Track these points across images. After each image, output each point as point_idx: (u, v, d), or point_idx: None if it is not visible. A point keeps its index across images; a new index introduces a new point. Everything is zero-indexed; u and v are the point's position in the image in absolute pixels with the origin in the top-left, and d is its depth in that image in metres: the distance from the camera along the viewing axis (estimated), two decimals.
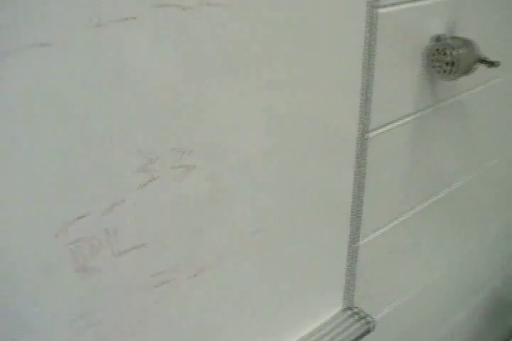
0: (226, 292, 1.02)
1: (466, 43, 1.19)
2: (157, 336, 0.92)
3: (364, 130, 1.14)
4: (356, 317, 1.30)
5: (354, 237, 1.27)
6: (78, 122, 0.68)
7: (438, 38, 1.20)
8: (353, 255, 1.28)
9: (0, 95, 0.61)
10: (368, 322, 1.29)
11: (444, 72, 1.18)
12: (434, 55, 1.18)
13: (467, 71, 1.19)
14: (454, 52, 1.15)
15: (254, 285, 1.07)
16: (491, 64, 1.20)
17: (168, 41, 0.73)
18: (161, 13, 0.70)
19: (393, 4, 1.06)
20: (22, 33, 0.60)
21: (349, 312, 1.31)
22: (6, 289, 0.70)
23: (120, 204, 0.77)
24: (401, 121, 1.24)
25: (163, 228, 0.84)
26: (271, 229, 1.03)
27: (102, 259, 0.78)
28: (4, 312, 0.71)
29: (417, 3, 1.10)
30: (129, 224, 0.80)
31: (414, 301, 1.66)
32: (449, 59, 1.16)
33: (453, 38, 1.22)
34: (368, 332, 1.28)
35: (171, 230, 0.86)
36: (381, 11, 1.03)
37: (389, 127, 1.22)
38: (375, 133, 1.18)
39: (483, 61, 1.20)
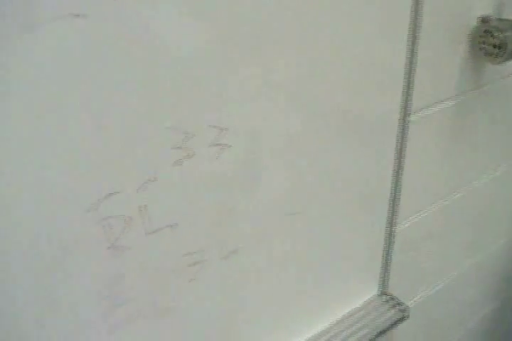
0: (259, 274, 1.00)
1: None
2: (187, 316, 0.91)
3: (405, 112, 1.12)
4: (392, 303, 1.28)
5: (391, 222, 1.25)
6: (110, 97, 0.66)
7: (484, 20, 1.17)
8: (389, 239, 1.26)
9: (32, 67, 0.60)
10: (404, 310, 1.27)
11: (491, 54, 1.15)
12: (481, 36, 1.14)
13: None
14: (501, 35, 1.12)
15: (288, 268, 1.06)
16: None
17: (202, 13, 0.71)
18: None
19: None
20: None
21: (384, 297, 1.30)
22: (37, 265, 0.69)
23: (153, 182, 0.76)
24: (443, 104, 1.22)
25: (195, 208, 0.83)
26: (306, 211, 1.01)
27: (134, 237, 0.77)
28: (32, 287, 0.70)
29: None
30: (161, 203, 0.78)
31: (447, 289, 1.64)
32: (496, 41, 1.13)
33: (500, 19, 1.19)
34: (402, 319, 1.26)
35: (203, 210, 0.84)
36: None
37: (431, 110, 1.19)
38: (416, 115, 1.16)
39: None
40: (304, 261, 1.08)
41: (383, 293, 1.31)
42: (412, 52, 1.05)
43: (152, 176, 0.75)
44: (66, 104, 0.63)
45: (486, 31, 1.14)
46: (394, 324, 1.23)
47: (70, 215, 0.69)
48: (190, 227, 0.83)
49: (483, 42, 1.15)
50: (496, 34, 1.13)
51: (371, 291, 1.30)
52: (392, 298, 1.29)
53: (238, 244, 0.92)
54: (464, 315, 1.90)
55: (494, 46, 1.14)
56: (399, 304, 1.28)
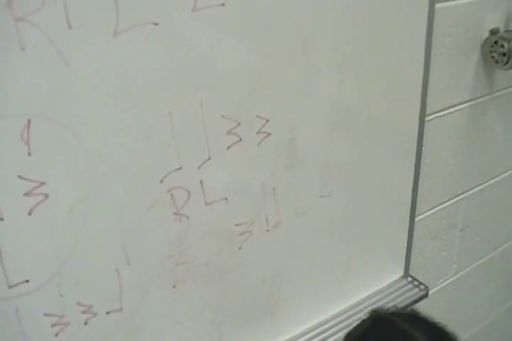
0: (297, 247, 1.17)
1: None
2: (236, 277, 1.08)
3: (422, 113, 1.28)
4: (414, 283, 1.44)
5: (413, 212, 1.41)
6: (179, 92, 0.86)
7: (494, 31, 1.34)
8: (412, 228, 1.42)
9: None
10: (423, 289, 1.43)
11: (501, 62, 1.32)
12: (492, 46, 1.32)
13: None
14: (508, 45, 1.29)
15: (323, 244, 1.22)
16: None
17: (254, 26, 0.90)
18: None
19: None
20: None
21: (408, 279, 1.46)
22: (116, 225, 0.87)
23: (208, 161, 0.93)
24: (458, 107, 1.38)
25: (242, 185, 1.01)
26: (336, 196, 1.18)
27: (194, 206, 0.95)
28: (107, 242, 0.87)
29: None
30: (215, 179, 0.96)
31: (468, 279, 1.79)
32: (504, 50, 1.30)
33: (507, 31, 1.36)
34: (422, 298, 1.42)
35: (247, 187, 1.02)
36: (439, 5, 1.19)
37: (447, 111, 1.36)
38: (433, 116, 1.33)
39: None
40: (337, 241, 1.25)
41: (407, 275, 1.47)
42: (429, 61, 1.22)
43: (207, 156, 0.93)
44: (144, 98, 0.82)
45: (495, 42, 1.31)
46: (415, 301, 1.39)
47: (148, 184, 0.88)
48: (240, 201, 1.01)
49: (493, 51, 1.32)
50: (504, 44, 1.29)
51: (397, 274, 1.47)
52: (414, 280, 1.45)
53: (279, 219, 1.09)
54: (483, 307, 2.03)
55: (503, 54, 1.31)
56: (420, 285, 1.44)
